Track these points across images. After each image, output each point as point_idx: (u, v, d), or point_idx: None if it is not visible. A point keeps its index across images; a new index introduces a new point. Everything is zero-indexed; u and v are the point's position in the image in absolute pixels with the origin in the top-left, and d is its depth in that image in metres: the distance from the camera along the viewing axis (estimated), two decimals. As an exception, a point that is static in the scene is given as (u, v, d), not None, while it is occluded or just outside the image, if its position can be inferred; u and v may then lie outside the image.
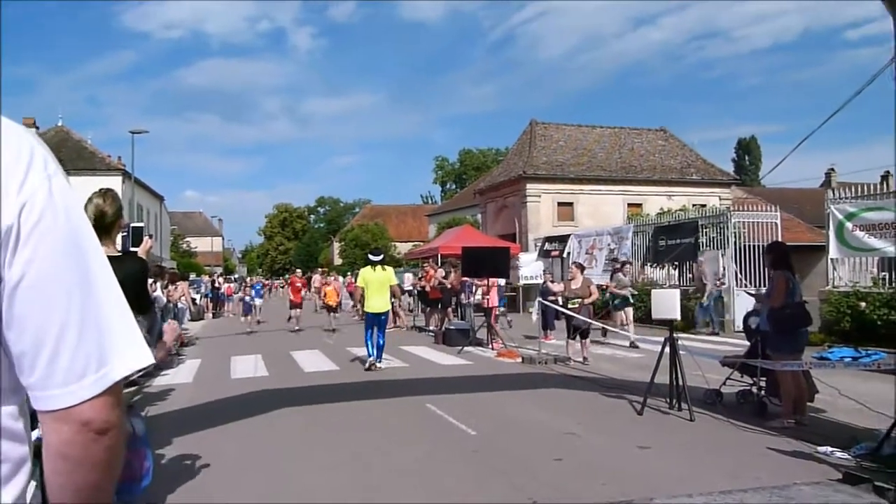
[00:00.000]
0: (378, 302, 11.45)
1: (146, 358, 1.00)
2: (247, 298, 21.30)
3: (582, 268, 12.95)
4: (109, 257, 1.78)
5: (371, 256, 11.99)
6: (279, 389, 9.47)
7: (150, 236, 4.08)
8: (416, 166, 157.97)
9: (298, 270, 13.25)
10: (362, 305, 11.60)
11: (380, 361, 11.44)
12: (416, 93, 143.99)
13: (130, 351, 0.98)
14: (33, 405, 0.95)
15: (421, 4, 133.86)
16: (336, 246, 63.97)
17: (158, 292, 12.44)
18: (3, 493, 0.93)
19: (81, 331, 0.93)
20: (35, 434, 2.11)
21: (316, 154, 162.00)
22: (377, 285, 11.48)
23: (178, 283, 17.39)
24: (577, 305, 11.85)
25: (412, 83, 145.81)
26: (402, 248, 53.22)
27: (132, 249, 3.70)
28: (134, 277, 3.33)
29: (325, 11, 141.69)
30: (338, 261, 58.28)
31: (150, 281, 4.92)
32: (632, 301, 15.58)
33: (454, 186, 77.07)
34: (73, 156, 33.63)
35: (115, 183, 30.90)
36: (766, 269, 9.16)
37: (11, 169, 0.90)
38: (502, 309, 18.03)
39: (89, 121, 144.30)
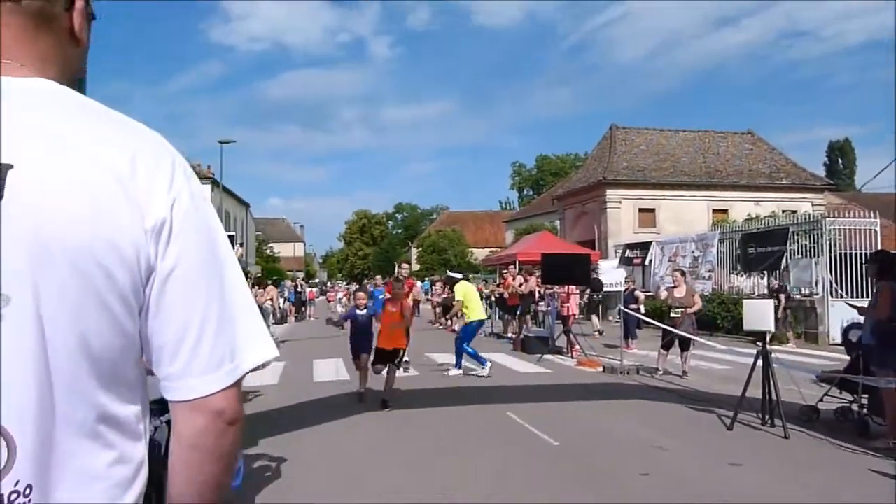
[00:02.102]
0: (480, 310, 12.24)
1: (272, 351, 1.04)
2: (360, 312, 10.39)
3: (685, 275, 12.36)
4: None
5: (455, 274, 12.72)
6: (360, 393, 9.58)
7: (241, 245, 4.21)
8: (493, 172, 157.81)
9: (405, 267, 13.13)
10: (459, 318, 12.28)
11: (460, 368, 11.59)
12: (491, 99, 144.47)
13: (258, 343, 1.03)
14: (167, 396, 0.98)
15: (497, 11, 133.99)
16: (414, 252, 64.56)
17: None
18: (126, 495, 0.95)
19: (221, 321, 0.97)
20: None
21: (393, 161, 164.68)
22: (475, 295, 12.25)
23: (266, 288, 17.94)
24: (679, 315, 11.29)
25: (488, 89, 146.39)
26: (480, 254, 53.25)
27: None
28: None
29: (403, 21, 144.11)
30: (415, 266, 58.81)
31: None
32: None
33: (531, 192, 76.62)
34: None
35: (205, 191, 32.17)
36: (869, 280, 8.63)
37: (160, 167, 0.95)
38: (581, 316, 17.77)
39: (180, 132, 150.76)
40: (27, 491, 0.85)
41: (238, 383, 0.99)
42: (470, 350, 11.51)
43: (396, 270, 9.00)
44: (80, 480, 0.90)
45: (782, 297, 16.42)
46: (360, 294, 10.13)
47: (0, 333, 0.85)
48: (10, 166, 0.86)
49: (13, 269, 0.85)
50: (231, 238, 3.89)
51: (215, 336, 0.97)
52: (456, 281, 12.37)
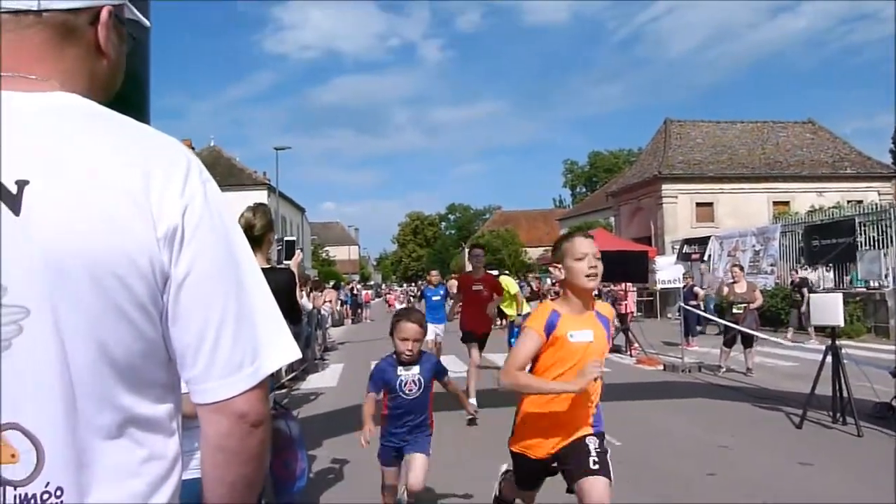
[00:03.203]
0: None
1: (294, 352, 1.04)
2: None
3: (744, 270, 12.10)
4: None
5: (492, 272, 12.70)
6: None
7: (301, 250, 4.28)
8: (545, 171, 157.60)
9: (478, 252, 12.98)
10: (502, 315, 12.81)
11: None
12: (541, 97, 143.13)
13: (280, 345, 1.03)
14: (193, 399, 1.00)
15: (544, 9, 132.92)
16: (467, 252, 64.63)
17: (304, 299, 13.05)
18: (160, 491, 0.98)
19: (238, 324, 0.98)
20: None
21: (445, 162, 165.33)
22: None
23: (325, 291, 18.23)
24: (741, 311, 11.00)
25: (538, 88, 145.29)
26: (534, 253, 52.93)
27: (285, 262, 3.89)
28: (285, 289, 3.46)
29: (452, 24, 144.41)
30: (468, 267, 58.84)
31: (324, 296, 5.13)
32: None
33: (584, 190, 75.79)
34: (224, 173, 36.22)
35: (261, 197, 32.87)
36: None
37: (172, 174, 0.96)
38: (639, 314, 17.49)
39: (237, 140, 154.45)
40: (58, 493, 0.89)
41: (261, 385, 1.00)
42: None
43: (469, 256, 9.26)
44: (114, 479, 0.93)
45: (805, 290, 15.92)
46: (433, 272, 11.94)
47: (22, 344, 0.88)
48: (27, 182, 0.88)
49: (31, 282, 0.88)
50: (292, 243, 3.97)
51: (233, 338, 0.97)
52: (499, 276, 12.44)
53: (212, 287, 0.97)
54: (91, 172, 0.91)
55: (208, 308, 0.97)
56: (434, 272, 12.50)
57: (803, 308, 15.48)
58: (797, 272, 17.91)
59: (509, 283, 13.03)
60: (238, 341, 0.98)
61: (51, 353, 0.89)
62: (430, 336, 9.67)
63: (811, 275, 19.50)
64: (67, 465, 0.90)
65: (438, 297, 11.54)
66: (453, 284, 12.29)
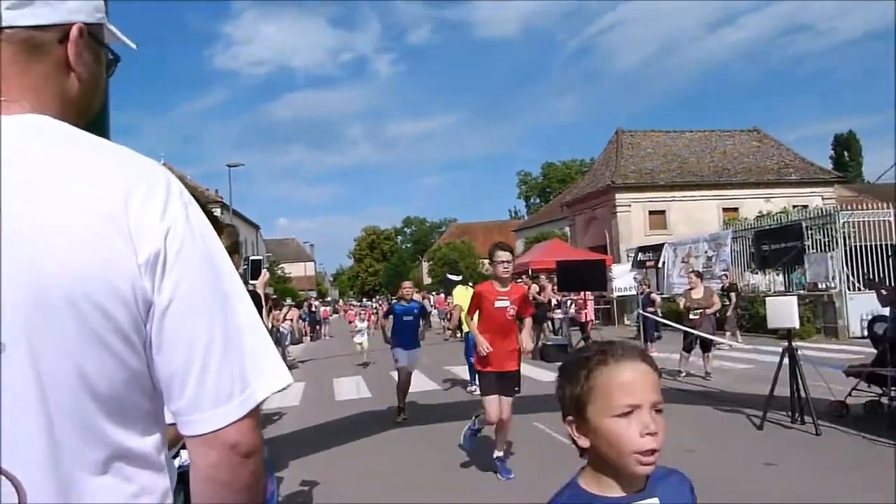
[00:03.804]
0: None
1: (285, 378, 1.00)
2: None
3: (701, 276, 12.32)
4: None
5: (453, 276, 11.88)
6: (384, 410, 9.57)
7: (267, 269, 4.20)
8: (500, 182, 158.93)
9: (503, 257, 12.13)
10: (459, 326, 11.45)
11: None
12: (495, 110, 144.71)
13: (270, 371, 0.98)
14: (181, 431, 0.96)
15: (495, 23, 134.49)
16: (425, 265, 64.60)
17: (263, 317, 12.87)
18: None
19: (226, 351, 0.94)
20: (177, 461, 2.15)
21: (401, 176, 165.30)
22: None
23: (287, 309, 18.00)
24: (698, 316, 11.20)
25: (492, 100, 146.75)
26: (490, 264, 53.17)
27: (251, 283, 3.82)
28: None
29: (404, 38, 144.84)
30: (427, 280, 58.83)
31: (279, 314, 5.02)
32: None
33: (538, 200, 76.59)
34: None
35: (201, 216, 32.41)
36: (889, 271, 8.56)
37: (153, 196, 0.93)
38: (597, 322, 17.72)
39: (189, 157, 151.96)
40: None
41: (252, 414, 0.95)
42: (472, 360, 11.17)
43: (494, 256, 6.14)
44: None
45: (733, 295, 16.43)
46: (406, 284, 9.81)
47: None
48: (1, 208, 0.85)
49: (8, 315, 0.84)
50: (258, 262, 3.89)
51: (220, 366, 0.93)
52: (454, 284, 11.71)
53: (197, 314, 0.93)
54: (69, 197, 0.88)
55: (194, 336, 0.92)
56: (408, 284, 9.85)
57: (729, 312, 16.11)
58: (726, 277, 18.40)
59: (456, 294, 12.87)
60: (226, 369, 0.94)
61: (29, 388, 0.85)
62: (401, 364, 8.99)
63: (762, 279, 20.05)
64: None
65: (411, 317, 9.21)
66: (460, 298, 10.90)
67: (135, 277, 0.89)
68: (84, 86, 1.04)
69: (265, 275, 3.88)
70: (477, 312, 6.01)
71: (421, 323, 9.48)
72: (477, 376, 6.59)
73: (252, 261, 3.83)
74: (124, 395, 0.92)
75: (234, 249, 3.58)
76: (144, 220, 0.90)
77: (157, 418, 0.98)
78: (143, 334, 0.92)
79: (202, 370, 0.92)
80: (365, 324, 16.90)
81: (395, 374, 13.30)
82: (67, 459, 0.87)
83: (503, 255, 5.84)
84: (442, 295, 29.66)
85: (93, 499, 0.88)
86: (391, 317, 9.37)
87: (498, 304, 5.81)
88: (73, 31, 1.00)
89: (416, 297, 13.60)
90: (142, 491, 0.94)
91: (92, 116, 1.07)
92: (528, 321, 6.22)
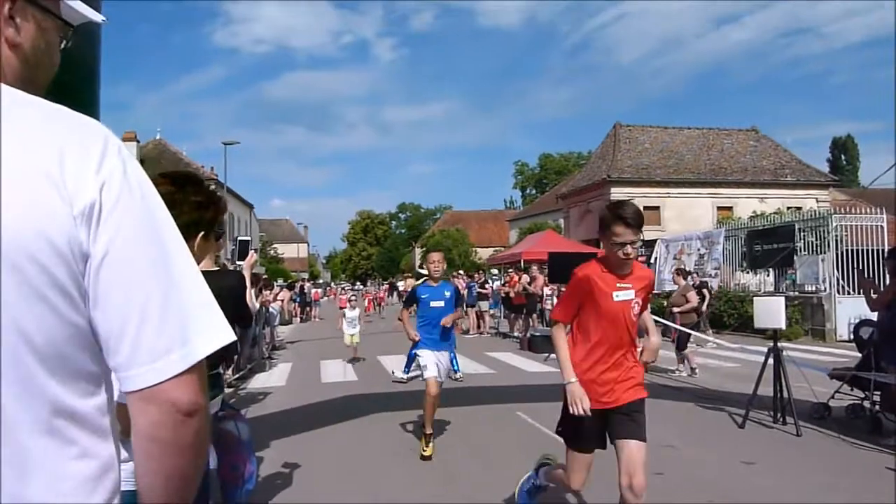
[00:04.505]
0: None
1: (228, 334, 0.99)
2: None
3: (685, 274, 12.36)
4: (207, 273, 1.78)
5: (423, 270, 11.78)
6: (369, 394, 9.58)
7: (256, 250, 4.17)
8: (497, 172, 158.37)
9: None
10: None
11: (459, 371, 10.95)
12: (495, 99, 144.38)
13: (212, 328, 0.98)
14: (122, 388, 0.94)
15: (498, 12, 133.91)
16: (417, 252, 64.58)
17: (252, 300, 12.83)
18: (95, 493, 0.93)
19: (164, 307, 0.93)
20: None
21: (397, 161, 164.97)
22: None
23: (279, 290, 17.94)
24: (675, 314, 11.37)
25: (491, 89, 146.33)
26: (483, 253, 53.22)
27: (238, 263, 3.79)
28: (234, 291, 3.31)
29: (406, 22, 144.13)
30: (424, 268, 58.85)
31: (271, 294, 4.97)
32: None
33: (534, 191, 76.55)
34: (170, 167, 35.25)
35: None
36: (886, 276, 8.57)
37: (88, 151, 0.92)
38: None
39: (184, 134, 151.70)
40: None
41: (194, 370, 0.94)
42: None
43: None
44: (44, 479, 0.88)
45: (705, 291, 16.45)
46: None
47: None
48: None
49: None
50: (246, 243, 3.86)
51: (160, 321, 0.92)
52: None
53: (134, 266, 0.92)
54: (3, 155, 0.86)
55: (130, 289, 0.92)
56: (437, 257, 6.78)
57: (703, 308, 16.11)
58: (696, 277, 18.40)
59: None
60: (165, 324, 0.93)
61: None
62: (429, 373, 6.33)
63: (752, 279, 20.11)
64: None
65: (441, 303, 6.53)
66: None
67: (70, 230, 0.88)
68: (26, 57, 1.02)
69: (252, 256, 3.85)
70: (570, 310, 3.82)
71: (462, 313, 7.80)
72: (562, 416, 4.01)
73: (240, 241, 3.80)
74: (67, 353, 0.91)
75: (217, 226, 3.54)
76: (80, 172, 0.90)
77: (101, 381, 0.97)
78: (83, 288, 0.91)
79: (140, 323, 0.91)
80: (356, 311, 13.99)
81: (383, 360, 13.47)
82: (8, 417, 0.85)
83: (626, 233, 3.48)
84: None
85: (33, 459, 0.87)
86: (414, 305, 6.76)
87: (619, 296, 3.65)
88: (4, 7, 0.98)
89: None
90: (83, 454, 0.92)
91: (41, 91, 1.05)
92: (649, 318, 4.04)
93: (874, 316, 7.39)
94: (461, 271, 25.81)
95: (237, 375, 11.02)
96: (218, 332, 0.98)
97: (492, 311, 21.07)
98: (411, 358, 9.77)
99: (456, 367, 10.73)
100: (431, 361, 6.35)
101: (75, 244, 0.89)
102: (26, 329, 0.87)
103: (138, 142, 36.02)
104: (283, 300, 19.14)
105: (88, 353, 0.94)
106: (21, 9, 1.00)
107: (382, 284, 52.57)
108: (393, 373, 11.12)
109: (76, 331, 0.91)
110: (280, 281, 30.77)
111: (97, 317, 0.92)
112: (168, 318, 0.93)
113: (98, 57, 2.69)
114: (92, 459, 0.93)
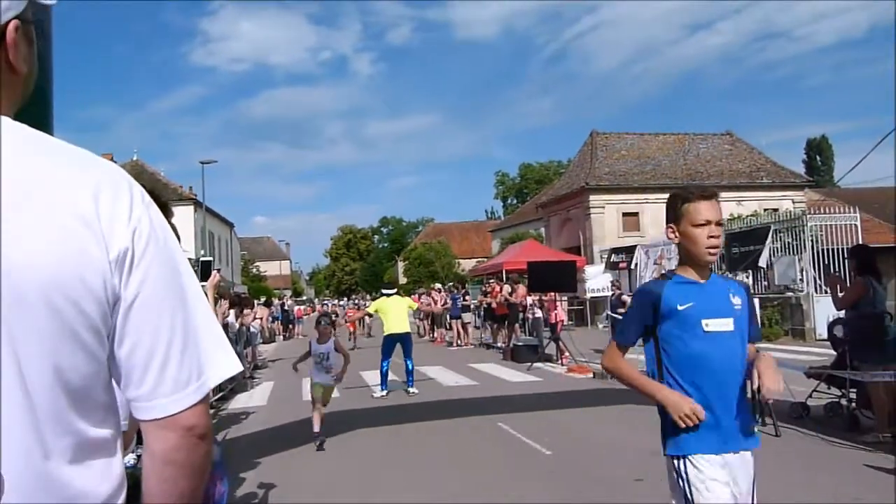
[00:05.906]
0: (398, 324, 11.31)
1: (236, 365, 1.09)
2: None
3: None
4: None
5: (385, 291, 12.20)
6: (351, 410, 9.51)
7: (218, 270, 4.18)
8: (477, 183, 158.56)
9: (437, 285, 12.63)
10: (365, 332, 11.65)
11: (412, 386, 11.19)
12: (474, 110, 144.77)
13: (222, 359, 1.08)
14: (137, 416, 1.02)
15: (475, 23, 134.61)
16: (401, 265, 64.48)
17: (231, 318, 12.73)
18: None
19: (185, 343, 1.02)
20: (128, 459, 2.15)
21: (378, 175, 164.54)
22: (396, 309, 11.38)
23: (256, 309, 17.83)
24: None
25: (470, 101, 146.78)
26: (467, 264, 53.25)
27: (201, 284, 3.77)
28: None
29: (384, 38, 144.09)
30: (402, 280, 58.73)
31: (225, 309, 4.99)
32: None
33: (515, 201, 76.81)
34: (146, 188, 35.02)
35: (187, 212, 32.11)
36: (850, 274, 8.67)
37: (120, 200, 0.99)
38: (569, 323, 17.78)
39: (162, 153, 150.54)
40: None
41: (206, 399, 1.04)
42: (383, 368, 11.11)
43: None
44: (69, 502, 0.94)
45: None
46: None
47: None
48: None
49: None
50: (208, 264, 3.87)
51: (181, 356, 1.01)
52: (390, 296, 11.87)
53: (160, 308, 1.00)
54: (43, 198, 0.92)
55: (157, 328, 0.99)
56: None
57: None
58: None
59: (410, 302, 12.98)
60: (185, 359, 1.01)
61: (11, 383, 0.89)
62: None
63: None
64: (26, 491, 0.89)
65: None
66: (377, 306, 11.68)
67: (106, 273, 0.95)
68: (25, 80, 1.05)
69: (215, 276, 3.84)
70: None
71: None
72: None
73: (202, 262, 3.81)
74: (89, 385, 0.97)
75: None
76: (114, 220, 0.97)
77: (113, 409, 1.04)
78: (109, 326, 0.98)
79: (165, 359, 1.00)
80: (329, 345, 7.81)
81: (364, 374, 13.40)
82: (43, 451, 0.91)
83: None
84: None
85: (60, 485, 0.93)
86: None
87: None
88: (10, 32, 1.00)
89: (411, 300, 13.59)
90: (100, 477, 0.98)
91: (26, 100, 1.08)
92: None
93: (843, 314, 7.47)
94: (438, 285, 25.80)
95: (218, 396, 10.91)
96: (227, 364, 1.08)
97: (475, 323, 21.07)
98: (384, 374, 10.39)
99: (410, 383, 11.18)
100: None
101: (109, 288, 0.96)
102: (62, 367, 0.93)
103: (115, 162, 35.74)
104: (261, 318, 19.00)
105: (103, 385, 1.01)
106: (22, 34, 1.02)
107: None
108: (373, 395, 11.02)
109: (99, 367, 0.99)
110: (263, 299, 30.56)
111: (120, 353, 0.99)
112: (188, 354, 1.02)
113: (50, 77, 2.67)
114: (105, 482, 0.99)
